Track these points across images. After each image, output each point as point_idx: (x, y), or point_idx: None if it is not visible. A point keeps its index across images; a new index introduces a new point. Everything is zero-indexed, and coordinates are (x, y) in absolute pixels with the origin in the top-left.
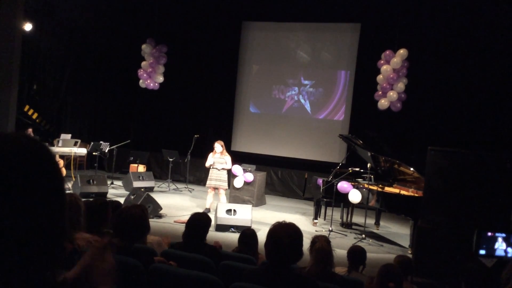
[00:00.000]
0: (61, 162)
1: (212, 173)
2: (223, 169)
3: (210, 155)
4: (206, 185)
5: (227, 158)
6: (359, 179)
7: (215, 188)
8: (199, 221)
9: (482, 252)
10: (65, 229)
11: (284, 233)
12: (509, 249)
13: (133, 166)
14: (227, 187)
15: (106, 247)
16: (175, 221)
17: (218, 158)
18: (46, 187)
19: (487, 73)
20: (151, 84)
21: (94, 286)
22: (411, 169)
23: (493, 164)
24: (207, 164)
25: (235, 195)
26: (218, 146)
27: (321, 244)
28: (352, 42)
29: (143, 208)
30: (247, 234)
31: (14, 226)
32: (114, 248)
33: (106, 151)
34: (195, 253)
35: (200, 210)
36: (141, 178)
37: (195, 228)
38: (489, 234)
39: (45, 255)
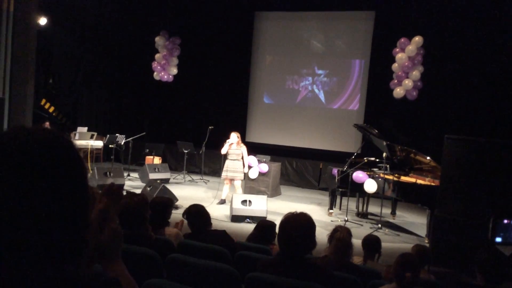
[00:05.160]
0: None
1: (228, 164)
2: (237, 160)
3: (227, 142)
4: (222, 176)
5: (243, 149)
6: (374, 169)
7: (231, 180)
8: (193, 213)
9: (499, 239)
10: (87, 221)
11: (296, 224)
12: None
13: (148, 158)
14: (243, 178)
15: (115, 192)
16: None
17: (234, 149)
18: (69, 179)
19: (504, 60)
20: (165, 76)
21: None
22: (428, 158)
23: (510, 152)
24: (222, 151)
25: (250, 186)
26: (234, 136)
27: (343, 234)
28: (367, 30)
29: (143, 197)
30: (265, 225)
31: (38, 218)
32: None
33: (122, 143)
34: (209, 243)
35: (216, 201)
36: (157, 170)
37: (193, 221)
38: (506, 221)
39: (67, 248)
